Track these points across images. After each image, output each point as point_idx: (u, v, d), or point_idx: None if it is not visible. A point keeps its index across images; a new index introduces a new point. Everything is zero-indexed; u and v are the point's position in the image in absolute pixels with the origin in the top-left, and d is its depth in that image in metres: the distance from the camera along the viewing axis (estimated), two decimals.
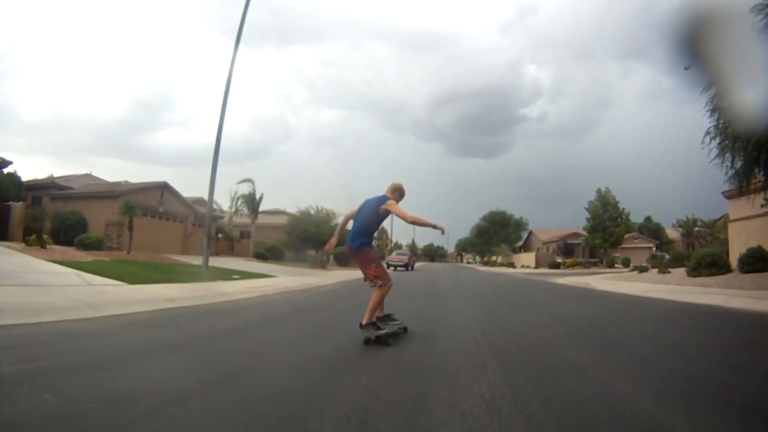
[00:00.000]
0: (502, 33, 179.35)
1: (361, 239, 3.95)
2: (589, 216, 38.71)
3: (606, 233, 36.67)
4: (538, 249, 50.46)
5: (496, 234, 56.17)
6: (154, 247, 17.51)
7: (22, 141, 72.93)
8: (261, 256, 24.37)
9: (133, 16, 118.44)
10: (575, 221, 46.89)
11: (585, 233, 39.21)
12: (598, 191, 38.74)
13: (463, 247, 79.31)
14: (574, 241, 41.46)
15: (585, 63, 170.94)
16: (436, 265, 48.55)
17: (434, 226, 3.94)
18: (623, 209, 37.47)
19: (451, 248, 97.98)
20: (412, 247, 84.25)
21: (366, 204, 4.07)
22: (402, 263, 27.02)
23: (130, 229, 14.66)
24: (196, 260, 12.50)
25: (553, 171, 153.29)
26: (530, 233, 56.51)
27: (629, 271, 23.50)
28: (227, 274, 10.98)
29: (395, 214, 3.86)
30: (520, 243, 57.85)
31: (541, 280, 16.40)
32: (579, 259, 38.85)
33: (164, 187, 21.97)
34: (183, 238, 22.56)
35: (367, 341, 3.72)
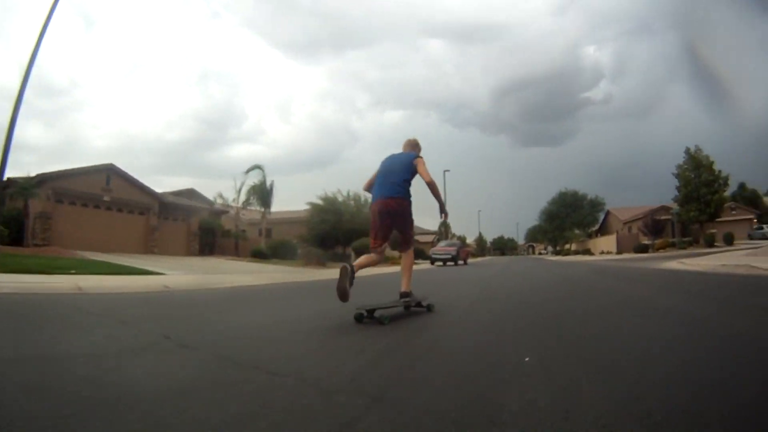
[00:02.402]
0: (556, 15, 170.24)
1: (405, 188, 3.59)
2: (679, 183, 31.91)
3: (701, 203, 29.78)
4: (617, 231, 43.47)
5: (568, 217, 49.10)
6: (103, 244, 15.00)
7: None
8: (260, 255, 20.90)
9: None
10: (657, 199, 39.73)
11: (675, 206, 32.33)
12: (687, 151, 31.85)
13: (534, 236, 72.78)
14: (663, 217, 34.54)
15: (645, 37, 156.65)
16: (502, 259, 43.04)
17: (441, 206, 3.87)
18: (719, 171, 30.27)
19: (521, 240, 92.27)
20: (480, 240, 79.53)
21: (394, 159, 3.76)
22: (448, 256, 22.97)
23: (26, 215, 12.91)
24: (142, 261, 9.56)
25: (623, 153, 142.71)
26: (607, 213, 49.28)
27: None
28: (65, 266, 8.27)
29: (419, 172, 3.60)
30: (595, 227, 50.25)
31: (654, 268, 10.79)
32: (671, 239, 32.01)
33: (111, 171, 17.88)
34: (145, 233, 18.97)
35: (408, 307, 3.65)
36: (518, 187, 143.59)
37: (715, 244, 28.78)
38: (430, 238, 43.61)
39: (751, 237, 33.16)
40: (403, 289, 3.54)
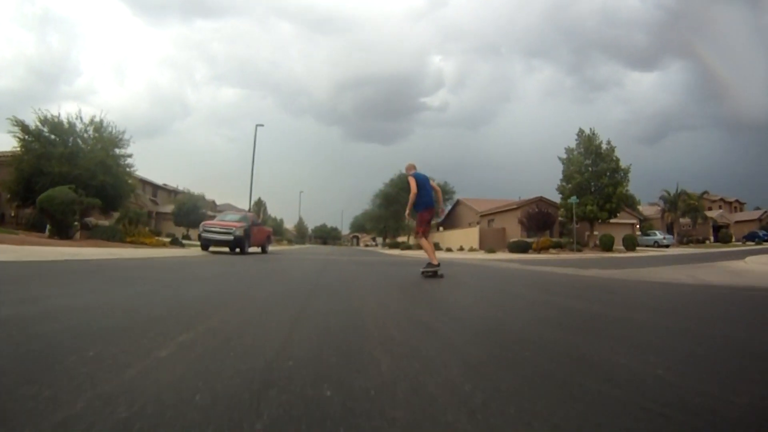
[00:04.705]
0: (411, 21, 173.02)
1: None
2: (565, 170, 25.78)
3: (600, 196, 23.79)
4: (471, 224, 37.00)
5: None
6: None
7: None
8: None
9: None
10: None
11: (573, 197, 26.29)
12: (580, 133, 25.74)
13: (361, 226, 63.03)
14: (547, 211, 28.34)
15: (490, 57, 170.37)
16: (322, 249, 32.00)
17: (407, 208, 6.16)
18: (618, 160, 24.77)
19: (346, 230, 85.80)
20: (300, 225, 69.39)
21: (425, 179, 6.14)
22: (229, 236, 12.82)
23: None
24: None
25: (450, 159, 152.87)
26: (457, 203, 42.32)
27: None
28: None
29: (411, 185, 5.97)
30: (440, 218, 40.62)
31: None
32: (558, 239, 25.79)
33: None
34: None
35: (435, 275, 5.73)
36: (346, 179, 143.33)
37: (615, 248, 23.03)
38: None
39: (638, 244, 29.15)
40: (435, 262, 5.85)
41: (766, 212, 46.61)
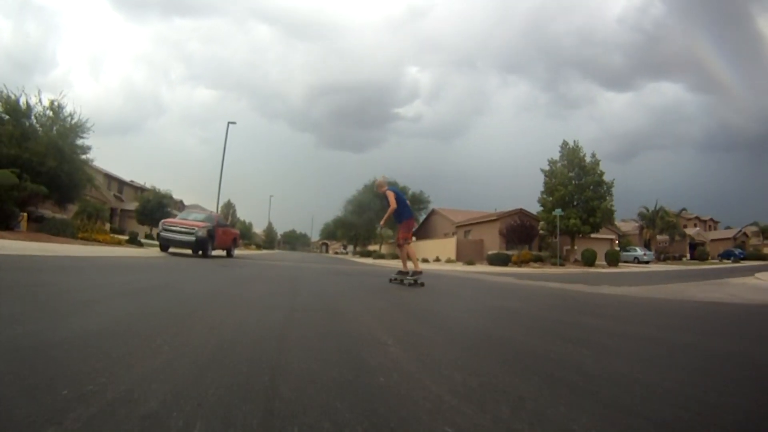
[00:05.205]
0: (390, 31, 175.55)
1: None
2: (547, 181, 25.44)
3: (586, 211, 23.45)
4: (447, 235, 36.15)
5: (383, 211, 38.41)
6: None
7: None
8: None
9: None
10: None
11: (541, 212, 25.83)
12: (564, 145, 25.47)
13: (331, 233, 61.82)
14: (529, 224, 27.91)
15: (466, 71, 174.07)
16: (292, 256, 30.32)
17: (383, 219, 7.47)
18: (602, 173, 24.55)
19: (315, 236, 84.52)
20: (269, 230, 68.00)
21: (401, 194, 6.76)
22: (190, 237, 11.75)
23: None
24: None
25: (423, 170, 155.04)
26: (432, 213, 41.43)
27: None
28: None
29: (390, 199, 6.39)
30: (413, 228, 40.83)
31: None
32: (538, 253, 25.32)
33: None
34: None
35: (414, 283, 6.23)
36: (317, 185, 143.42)
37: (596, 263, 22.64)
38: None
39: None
40: (415, 269, 6.32)
41: (740, 231, 47.66)
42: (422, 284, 6.15)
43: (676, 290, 7.31)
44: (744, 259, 36.98)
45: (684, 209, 44.25)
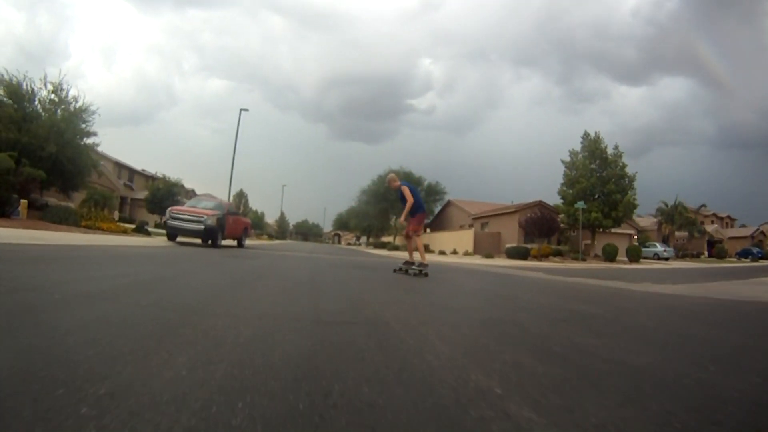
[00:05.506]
0: (403, 22, 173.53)
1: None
2: (567, 173, 24.45)
3: (606, 203, 22.50)
4: (462, 227, 35.27)
5: (398, 203, 37.25)
6: None
7: None
8: None
9: None
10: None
11: (561, 204, 24.85)
12: (585, 136, 24.42)
13: (344, 224, 61.15)
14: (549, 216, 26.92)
15: (479, 63, 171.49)
16: (304, 246, 29.38)
17: (403, 214, 6.62)
18: (624, 165, 23.52)
19: (328, 227, 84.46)
20: (281, 221, 67.51)
21: (415, 188, 6.84)
22: (199, 225, 10.94)
23: None
24: None
25: (436, 162, 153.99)
26: (448, 204, 40.10)
27: None
28: None
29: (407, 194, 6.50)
30: (428, 219, 39.27)
31: None
32: (558, 247, 24.40)
33: None
34: None
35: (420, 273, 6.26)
36: (329, 176, 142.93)
37: (618, 258, 21.75)
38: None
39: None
40: (421, 261, 6.39)
41: (758, 230, 46.27)
42: (426, 275, 6.21)
43: (726, 289, 6.60)
44: (762, 258, 35.80)
45: (704, 205, 42.93)
